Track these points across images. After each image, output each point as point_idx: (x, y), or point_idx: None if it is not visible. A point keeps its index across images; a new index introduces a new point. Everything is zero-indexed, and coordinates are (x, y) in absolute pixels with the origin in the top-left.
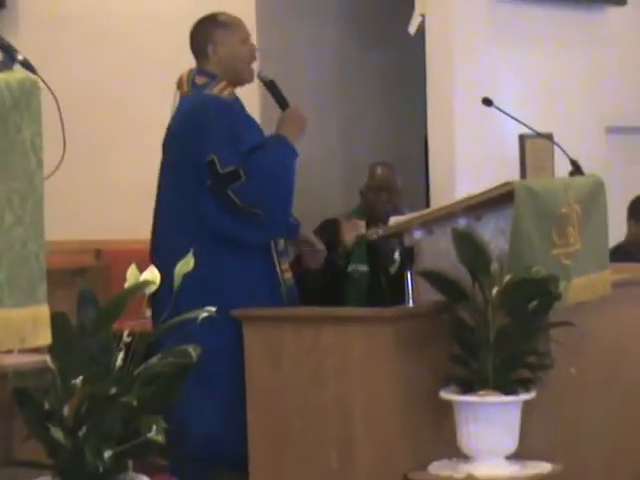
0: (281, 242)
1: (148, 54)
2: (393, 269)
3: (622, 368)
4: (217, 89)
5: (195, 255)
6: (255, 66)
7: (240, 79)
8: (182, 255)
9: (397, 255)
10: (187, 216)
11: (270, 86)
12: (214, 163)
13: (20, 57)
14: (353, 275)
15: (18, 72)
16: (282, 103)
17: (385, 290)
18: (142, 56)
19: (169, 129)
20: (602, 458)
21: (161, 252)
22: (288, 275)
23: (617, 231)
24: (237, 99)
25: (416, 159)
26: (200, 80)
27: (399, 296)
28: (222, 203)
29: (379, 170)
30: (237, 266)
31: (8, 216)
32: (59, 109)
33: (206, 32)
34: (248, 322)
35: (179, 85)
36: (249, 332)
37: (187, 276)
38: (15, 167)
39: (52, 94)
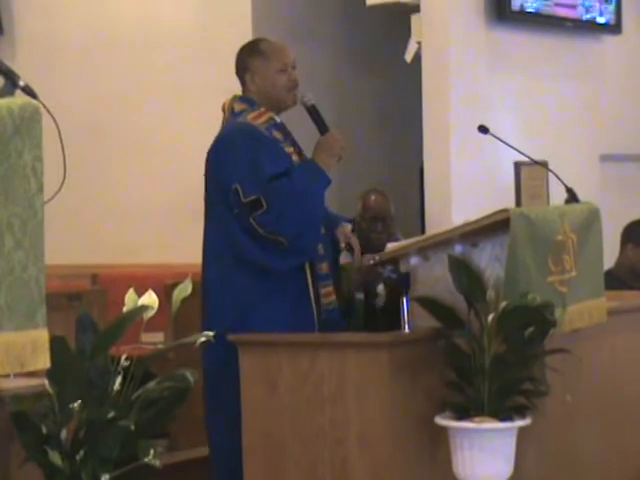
0: (323, 265)
1: (148, 75)
2: (379, 302)
3: (617, 395)
4: (252, 116)
5: (224, 279)
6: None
7: (280, 106)
8: (214, 279)
9: (381, 288)
10: (218, 240)
11: (311, 111)
12: (238, 192)
13: (22, 83)
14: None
15: (20, 98)
16: (322, 128)
17: (379, 318)
18: (142, 77)
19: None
20: None
21: (205, 275)
22: (328, 300)
23: (611, 258)
24: (276, 125)
25: (412, 186)
26: (239, 107)
27: (392, 324)
28: (248, 231)
29: (372, 199)
30: (262, 291)
31: (8, 240)
32: (60, 135)
33: (244, 61)
34: (244, 347)
35: (223, 111)
36: (245, 357)
37: (218, 298)
38: (16, 191)
39: (53, 120)
